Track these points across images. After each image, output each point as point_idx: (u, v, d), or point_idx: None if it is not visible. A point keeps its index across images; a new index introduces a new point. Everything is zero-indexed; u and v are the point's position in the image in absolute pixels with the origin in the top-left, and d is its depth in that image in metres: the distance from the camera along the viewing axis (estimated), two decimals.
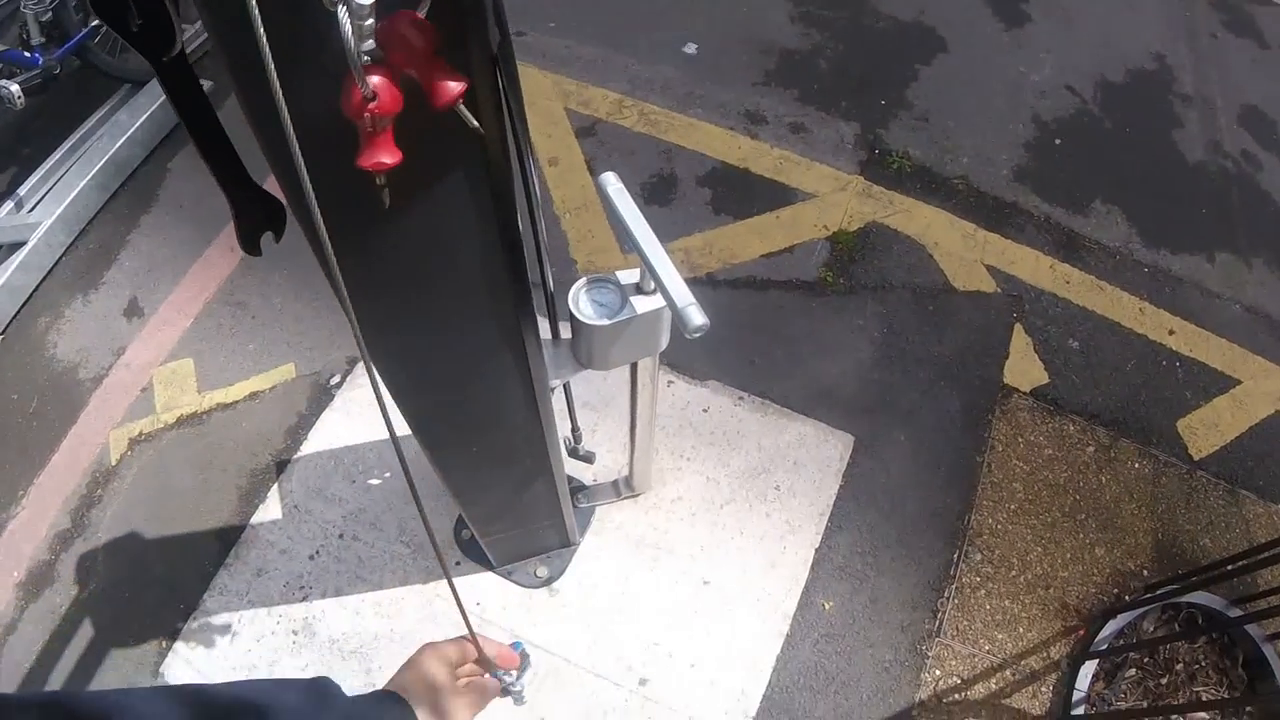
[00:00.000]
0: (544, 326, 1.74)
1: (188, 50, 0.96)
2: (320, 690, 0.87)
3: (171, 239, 3.57)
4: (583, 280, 1.66)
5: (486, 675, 1.13)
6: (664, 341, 1.79)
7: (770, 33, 4.27)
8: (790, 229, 3.49)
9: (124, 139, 3.69)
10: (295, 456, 2.92)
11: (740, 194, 3.60)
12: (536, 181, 1.31)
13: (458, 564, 2.69)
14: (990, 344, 3.22)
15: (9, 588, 2.86)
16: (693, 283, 3.30)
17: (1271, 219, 3.81)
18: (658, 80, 3.99)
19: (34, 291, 3.44)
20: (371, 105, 0.76)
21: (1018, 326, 3.27)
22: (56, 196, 3.51)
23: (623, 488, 2.75)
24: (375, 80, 0.76)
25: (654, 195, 3.58)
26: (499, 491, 2.13)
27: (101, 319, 3.37)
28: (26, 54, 3.35)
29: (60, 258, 3.53)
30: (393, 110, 0.78)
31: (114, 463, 3.02)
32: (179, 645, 2.62)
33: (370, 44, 0.76)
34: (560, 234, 3.43)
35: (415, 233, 1.11)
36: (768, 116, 3.89)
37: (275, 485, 2.87)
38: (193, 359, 3.23)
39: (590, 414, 2.90)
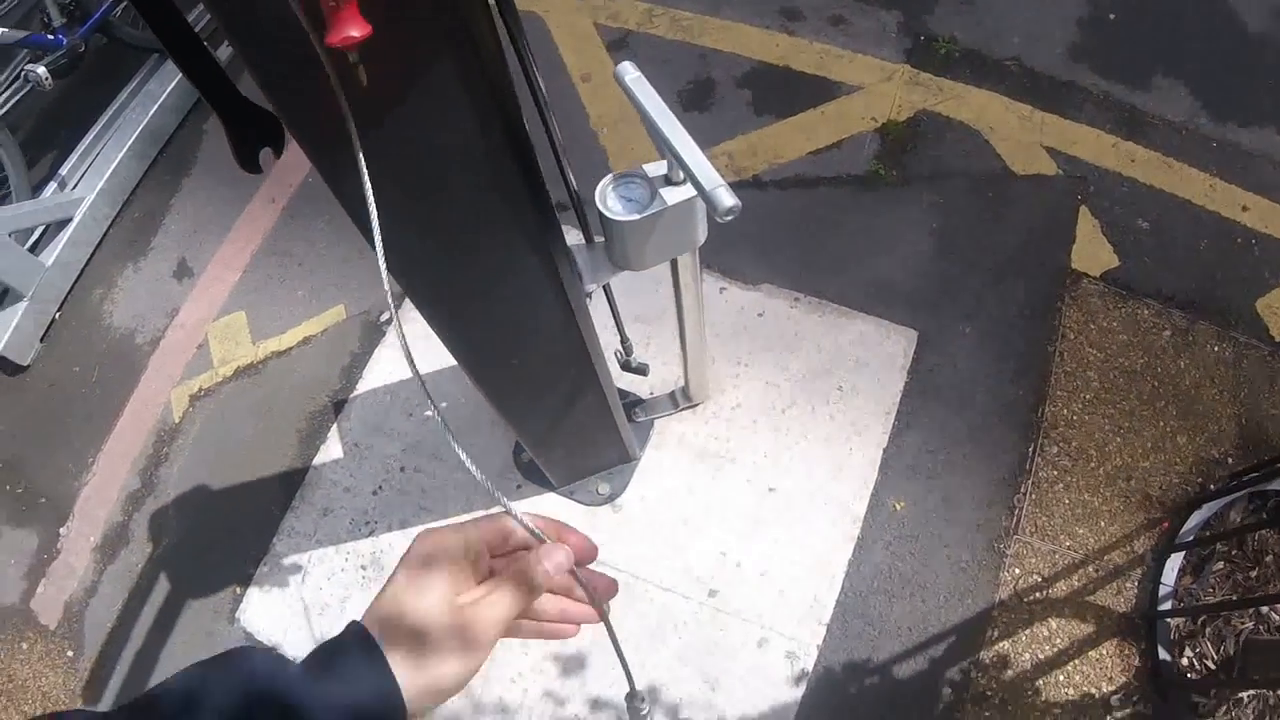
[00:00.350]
0: (575, 233, 1.67)
1: None
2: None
3: (214, 198, 3.58)
4: (609, 177, 1.56)
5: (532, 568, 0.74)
6: (701, 235, 1.68)
7: None
8: (837, 123, 3.33)
9: (156, 108, 3.70)
10: (352, 395, 2.90)
11: (782, 92, 3.44)
12: (540, 75, 1.24)
13: (518, 487, 2.65)
14: (1055, 228, 3.06)
15: (86, 552, 2.94)
16: (738, 185, 3.21)
17: None
18: None
19: (86, 265, 3.49)
20: None
21: (1083, 209, 3.11)
22: (97, 171, 3.52)
23: (680, 399, 2.67)
24: None
25: (692, 101, 3.44)
26: (548, 408, 2.07)
27: (153, 283, 3.40)
28: (50, 36, 3.32)
29: (108, 230, 3.57)
30: None
31: (177, 420, 3.07)
32: (252, 590, 2.67)
33: None
34: (600, 149, 3.32)
35: (412, 131, 1.03)
36: (804, 11, 3.70)
37: (334, 426, 2.88)
38: (245, 311, 3.25)
39: (642, 326, 2.81)
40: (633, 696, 0.83)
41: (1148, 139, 3.30)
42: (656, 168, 1.54)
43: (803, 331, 2.78)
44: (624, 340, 2.41)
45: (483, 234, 1.29)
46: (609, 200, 1.54)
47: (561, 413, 2.13)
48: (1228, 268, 3.02)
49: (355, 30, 0.74)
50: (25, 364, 3.28)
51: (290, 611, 2.61)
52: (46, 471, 3.11)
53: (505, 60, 1.06)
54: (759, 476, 2.58)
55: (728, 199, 1.31)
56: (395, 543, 2.63)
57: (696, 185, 1.35)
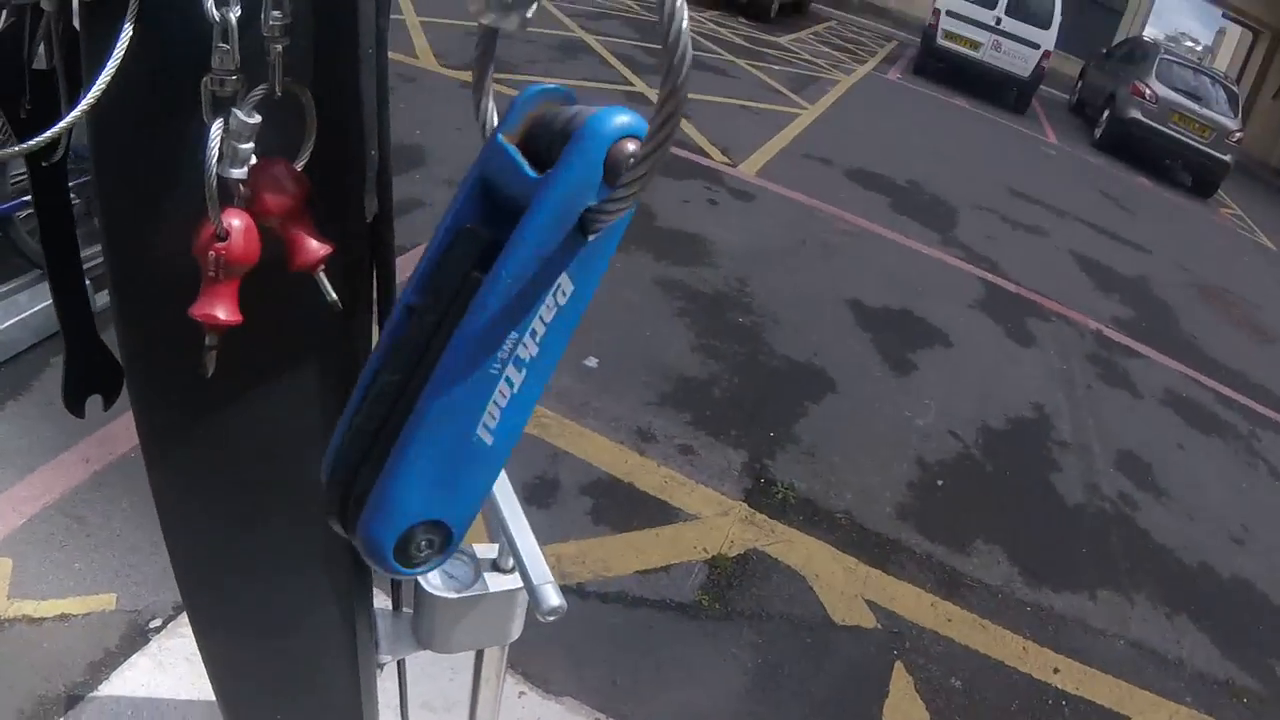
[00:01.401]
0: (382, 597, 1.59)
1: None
2: None
3: (30, 432, 3.34)
4: None
5: None
6: (516, 630, 1.61)
7: (670, 358, 4.42)
8: (669, 548, 3.39)
9: (15, 320, 3.54)
10: (90, 695, 2.55)
11: (622, 507, 3.52)
12: None
13: None
14: (870, 682, 3.04)
15: None
16: (562, 589, 3.17)
17: (1150, 556, 3.88)
18: (554, 387, 4.03)
19: None
20: (220, 246, 0.69)
21: (898, 664, 3.12)
22: None
23: None
24: (234, 222, 0.69)
25: (535, 496, 3.49)
26: None
27: None
28: None
29: None
30: (243, 259, 0.70)
31: None
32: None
33: (241, 173, 0.69)
34: None
35: (247, 426, 0.99)
36: (658, 435, 3.91)
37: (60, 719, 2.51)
38: (12, 560, 2.90)
39: (429, 715, 2.63)
40: None
41: (965, 600, 3.42)
42: (487, 550, 1.47)
43: None
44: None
45: (290, 561, 1.20)
46: (430, 573, 1.49)
47: None
48: None
49: (224, 313, 0.70)
50: None
51: None
52: None
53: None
54: None
55: (554, 598, 1.25)
56: None
57: (524, 576, 1.30)
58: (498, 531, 1.38)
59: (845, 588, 3.36)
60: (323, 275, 0.76)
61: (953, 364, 4.89)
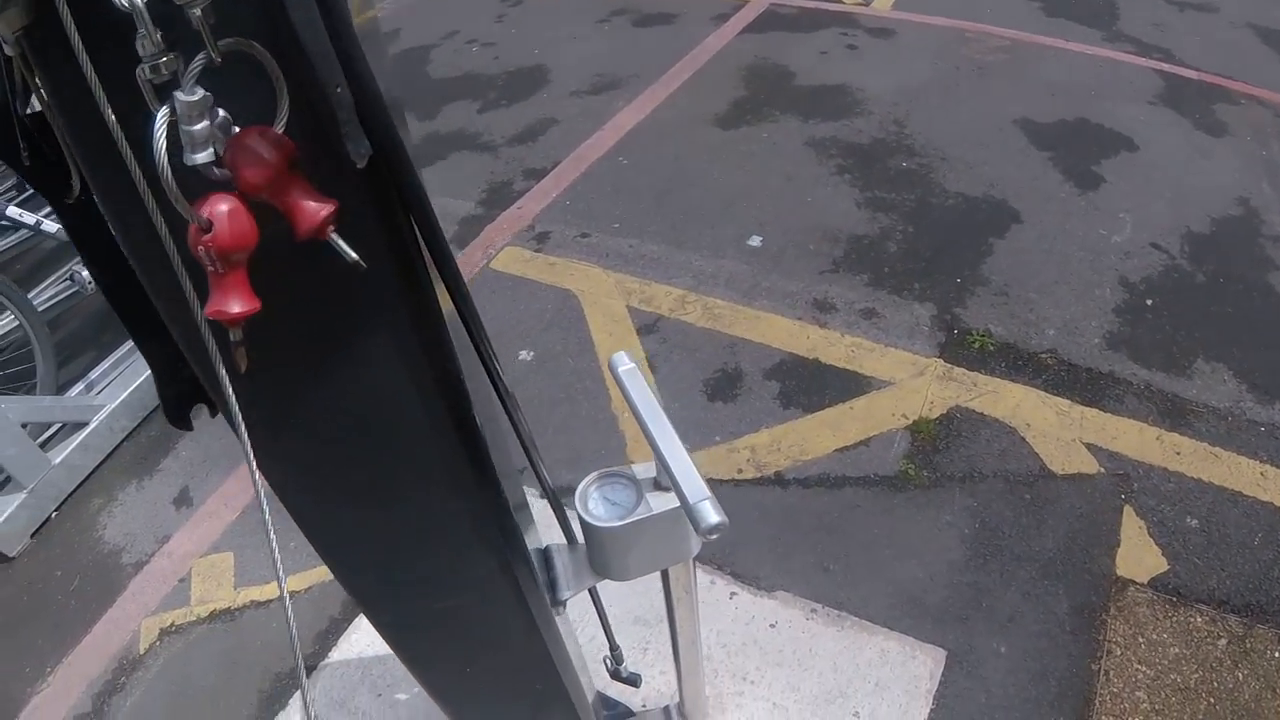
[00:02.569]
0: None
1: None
2: None
3: (230, 433, 3.56)
4: (594, 475, 1.47)
5: None
6: (694, 547, 1.57)
7: (836, 220, 4.22)
8: (866, 420, 3.29)
9: None
10: (322, 664, 2.78)
11: (810, 386, 3.44)
12: (492, 349, 1.15)
13: None
14: (1099, 532, 2.89)
15: None
16: (760, 483, 3.16)
17: None
18: (722, 275, 3.94)
19: (91, 473, 3.52)
20: (206, 238, 0.64)
21: (1128, 509, 2.94)
22: (124, 382, 3.62)
23: (674, 716, 2.48)
24: (217, 208, 0.64)
25: (718, 391, 3.45)
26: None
27: (152, 505, 3.40)
28: None
29: (121, 442, 3.62)
30: (236, 245, 0.66)
31: (142, 652, 2.96)
32: None
33: (206, 155, 0.65)
34: (619, 434, 3.32)
35: (339, 401, 0.96)
36: (837, 304, 3.76)
37: (298, 692, 2.73)
38: (233, 553, 3.20)
39: (640, 630, 2.68)
40: None
41: (1192, 429, 3.17)
42: (646, 469, 1.46)
43: (818, 647, 2.61)
44: (613, 648, 2.27)
45: (433, 538, 1.20)
46: (589, 502, 1.44)
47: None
48: None
49: (236, 306, 0.67)
50: (11, 555, 3.27)
51: None
52: (2, 669, 3.02)
53: (443, 326, 0.97)
54: None
55: (712, 515, 1.20)
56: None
57: (680, 495, 1.25)
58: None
59: (1060, 433, 3.17)
60: (336, 237, 0.70)
61: (1142, 169, 4.42)
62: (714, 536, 1.21)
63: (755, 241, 4.11)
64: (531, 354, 3.74)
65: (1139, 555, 2.82)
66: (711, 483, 3.00)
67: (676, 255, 4.08)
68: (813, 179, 4.53)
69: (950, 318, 3.66)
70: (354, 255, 0.72)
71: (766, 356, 3.57)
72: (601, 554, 1.51)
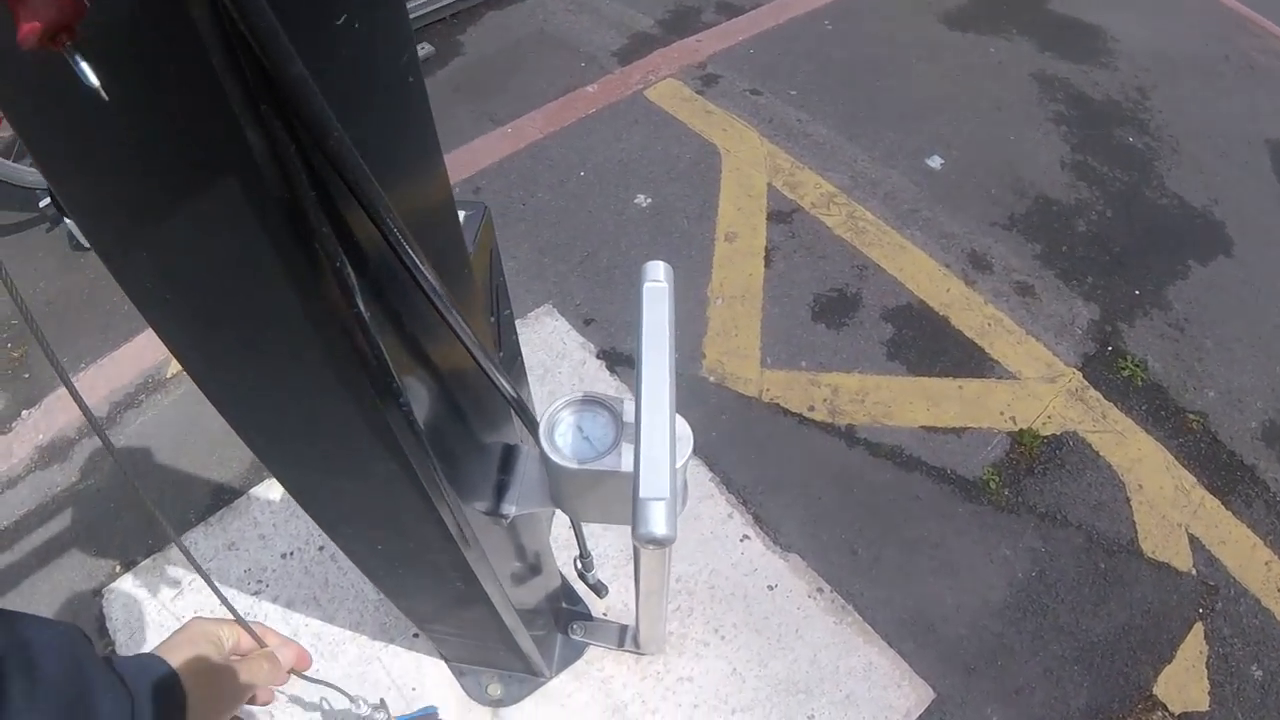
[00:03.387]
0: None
1: None
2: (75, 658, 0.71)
3: None
4: (574, 397, 1.20)
5: (266, 661, 1.06)
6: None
7: (1033, 171, 3.66)
8: (970, 406, 2.89)
9: None
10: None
11: (927, 344, 3.02)
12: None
13: (415, 635, 2.30)
14: (1157, 638, 2.49)
15: (30, 446, 2.82)
16: (826, 429, 2.79)
17: None
18: (884, 184, 3.47)
19: None
20: None
21: (1198, 627, 2.53)
22: None
23: (627, 639, 2.27)
24: None
25: (826, 312, 3.06)
26: (424, 600, 1.71)
27: None
28: None
29: None
30: None
31: (168, 375, 2.92)
32: (128, 576, 2.47)
33: None
34: (702, 321, 2.98)
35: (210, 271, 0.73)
36: (995, 264, 3.29)
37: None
38: None
39: (619, 538, 2.45)
40: None
41: None
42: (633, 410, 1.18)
43: (807, 631, 2.33)
44: (583, 554, 2.06)
45: (309, 419, 0.96)
46: (558, 428, 1.18)
47: (444, 609, 1.76)
48: None
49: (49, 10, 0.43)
50: (87, 247, 3.22)
51: (149, 619, 2.38)
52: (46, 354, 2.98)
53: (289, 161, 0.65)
54: None
55: (657, 524, 0.90)
56: (271, 617, 2.34)
57: (635, 475, 0.96)
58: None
59: (1170, 511, 2.75)
60: (77, 57, 0.46)
61: None
62: (650, 548, 0.91)
63: (934, 162, 3.60)
64: (649, 201, 3.37)
65: (1184, 682, 2.44)
66: (776, 410, 2.69)
67: (844, 146, 3.60)
68: (1025, 117, 3.93)
69: (1110, 330, 3.17)
70: (92, 78, 0.47)
71: (894, 294, 3.15)
72: (558, 487, 1.23)
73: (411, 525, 1.19)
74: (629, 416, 1.18)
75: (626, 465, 1.13)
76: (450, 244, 1.00)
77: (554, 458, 1.15)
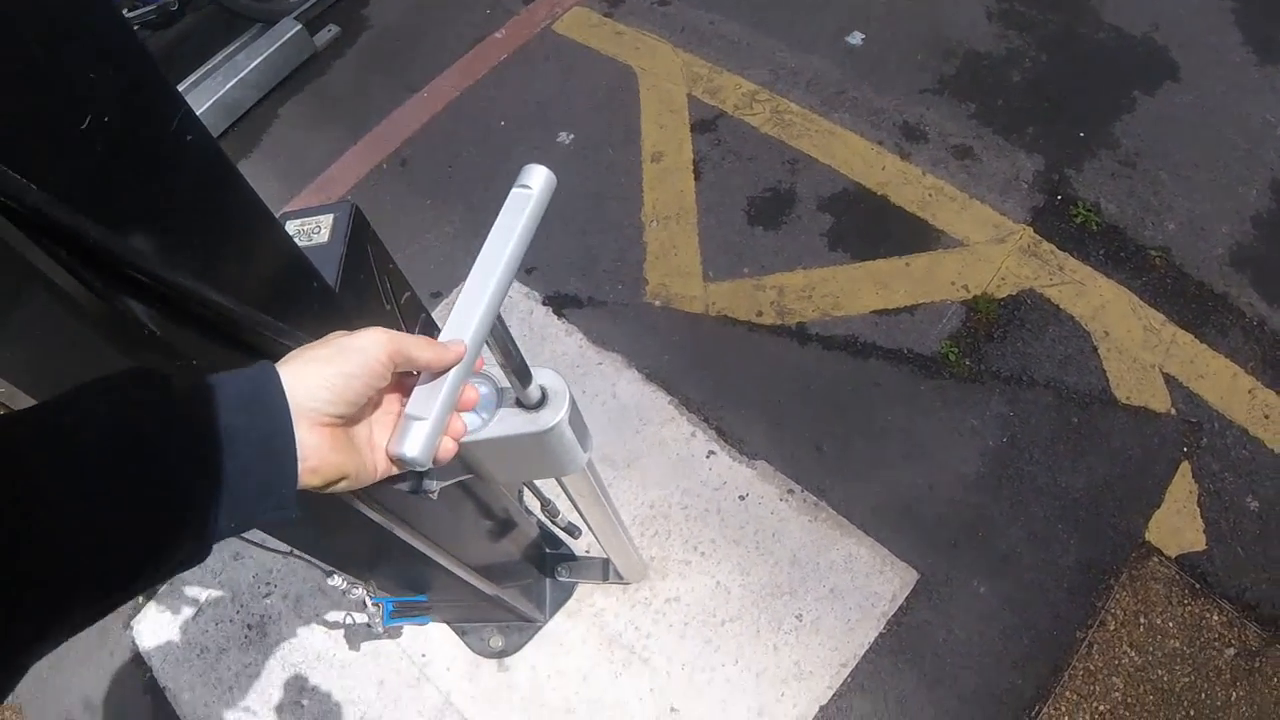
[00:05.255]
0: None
1: None
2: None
3: (264, 189, 3.39)
4: None
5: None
6: (580, 459, 1.24)
7: (959, 30, 3.53)
8: (920, 282, 2.83)
9: (237, 80, 3.68)
10: None
11: (868, 228, 2.96)
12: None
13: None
14: (1142, 484, 2.47)
15: None
16: (776, 332, 2.75)
17: None
18: (805, 72, 3.37)
19: None
20: None
21: (1185, 466, 2.49)
22: None
23: (611, 572, 2.28)
24: None
25: (761, 214, 3.00)
26: (389, 566, 1.73)
27: None
28: None
29: None
30: None
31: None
32: (150, 606, 2.56)
33: None
34: (640, 247, 2.93)
35: None
36: (929, 133, 3.19)
37: None
38: None
39: (607, 471, 2.44)
40: None
41: None
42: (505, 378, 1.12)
43: (784, 533, 2.33)
44: (544, 503, 2.06)
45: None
46: None
47: (424, 583, 1.78)
48: None
49: None
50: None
51: (177, 642, 2.49)
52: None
53: None
54: (665, 689, 2.17)
55: (409, 446, 0.81)
56: (283, 615, 2.42)
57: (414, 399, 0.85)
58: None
59: (1141, 353, 2.68)
60: None
61: None
62: (398, 473, 0.86)
63: (855, 39, 3.48)
64: (571, 137, 3.30)
65: (1177, 524, 2.41)
66: (724, 322, 2.64)
67: (760, 41, 3.49)
68: None
69: (1058, 179, 3.07)
70: None
71: (828, 182, 3.07)
72: (465, 458, 1.20)
73: (335, 519, 1.28)
74: (503, 382, 1.13)
75: (510, 430, 1.11)
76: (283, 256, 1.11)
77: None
